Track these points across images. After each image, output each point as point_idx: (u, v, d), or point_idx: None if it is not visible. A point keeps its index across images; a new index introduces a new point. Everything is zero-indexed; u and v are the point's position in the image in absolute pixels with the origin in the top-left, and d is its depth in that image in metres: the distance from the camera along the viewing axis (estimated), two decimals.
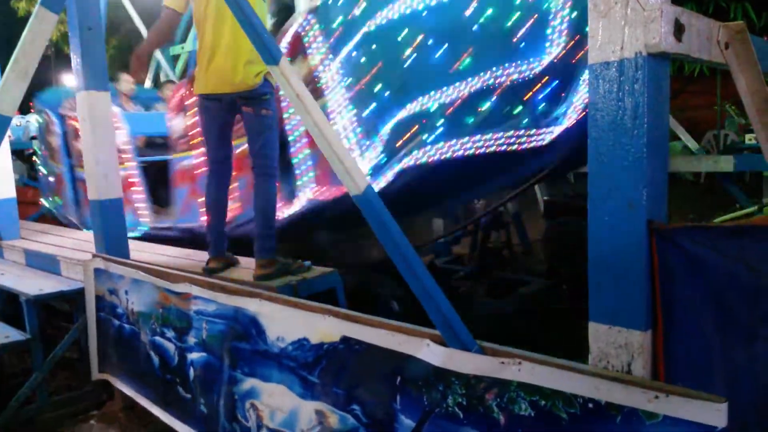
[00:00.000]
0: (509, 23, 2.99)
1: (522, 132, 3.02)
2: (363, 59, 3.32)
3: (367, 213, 1.97)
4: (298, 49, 3.63)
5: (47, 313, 3.96)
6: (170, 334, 2.86)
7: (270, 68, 2.23)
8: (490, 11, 2.99)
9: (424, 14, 3.11)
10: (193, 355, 2.72)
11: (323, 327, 2.16)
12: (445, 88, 3.09)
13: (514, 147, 3.01)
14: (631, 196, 1.62)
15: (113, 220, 3.49)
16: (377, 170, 3.30)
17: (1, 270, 4.21)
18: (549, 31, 2.92)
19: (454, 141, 3.08)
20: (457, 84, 3.06)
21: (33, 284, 3.67)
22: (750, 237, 1.53)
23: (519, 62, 3.00)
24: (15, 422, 3.34)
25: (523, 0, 2.96)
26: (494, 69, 3.03)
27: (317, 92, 3.46)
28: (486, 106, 3.07)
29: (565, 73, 2.93)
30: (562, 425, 1.59)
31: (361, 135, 3.37)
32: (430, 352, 1.87)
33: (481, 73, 3.05)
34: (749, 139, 8.41)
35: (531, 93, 3.01)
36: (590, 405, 1.54)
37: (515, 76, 3.00)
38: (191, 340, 2.73)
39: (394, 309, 3.59)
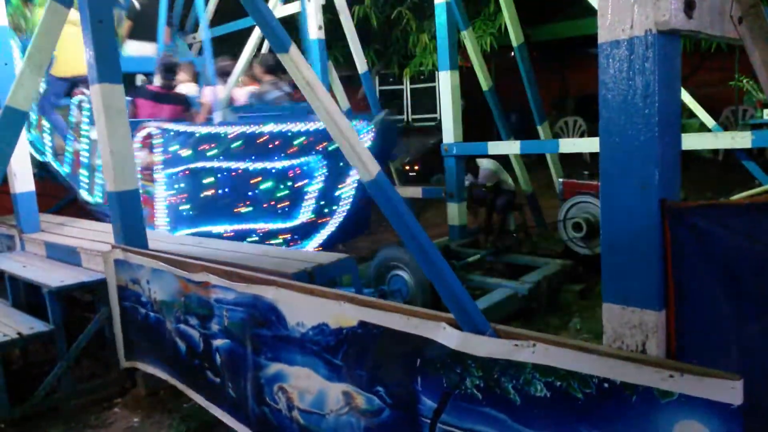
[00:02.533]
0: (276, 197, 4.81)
1: None
2: (179, 184, 4.71)
3: (378, 199, 1.98)
4: (147, 144, 4.81)
5: (69, 304, 4.04)
6: (194, 321, 2.92)
7: (280, 56, 2.23)
8: (267, 185, 4.76)
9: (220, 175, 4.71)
10: (218, 342, 2.78)
11: (340, 312, 2.19)
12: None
13: None
14: (644, 176, 1.61)
15: (131, 211, 3.54)
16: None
17: (23, 262, 4.29)
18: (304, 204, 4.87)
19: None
20: (234, 224, 4.77)
21: (55, 276, 3.74)
22: (763, 213, 1.52)
23: (276, 221, 4.79)
24: (41, 410, 3.43)
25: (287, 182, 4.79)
26: (257, 223, 4.78)
27: (150, 179, 4.76)
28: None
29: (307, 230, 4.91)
30: (578, 405, 1.60)
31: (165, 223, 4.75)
32: (446, 336, 1.89)
33: (248, 223, 4.77)
34: None
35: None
36: (605, 385, 1.55)
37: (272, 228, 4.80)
38: (214, 327, 2.78)
39: None
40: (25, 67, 3.67)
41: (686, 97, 5.71)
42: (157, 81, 5.45)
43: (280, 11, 7.20)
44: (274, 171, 4.76)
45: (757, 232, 1.52)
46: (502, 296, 4.15)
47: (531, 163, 9.08)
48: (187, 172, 4.70)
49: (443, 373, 1.90)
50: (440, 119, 6.62)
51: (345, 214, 4.90)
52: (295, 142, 4.74)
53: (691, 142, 4.55)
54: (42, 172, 6.45)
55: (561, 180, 5.74)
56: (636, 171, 1.63)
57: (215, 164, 4.72)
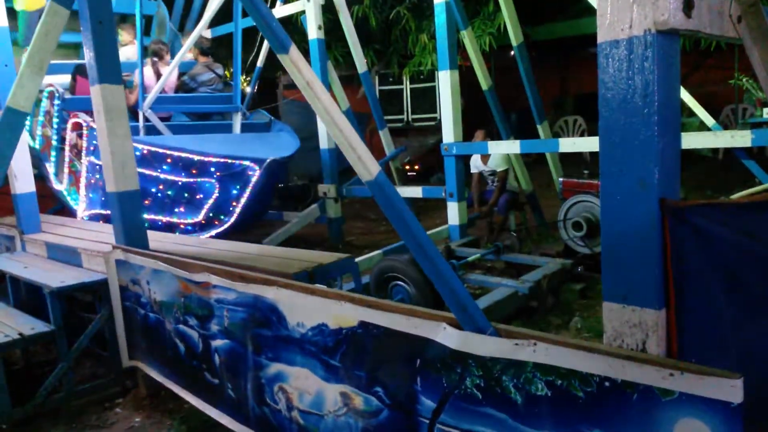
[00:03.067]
0: (183, 199, 5.92)
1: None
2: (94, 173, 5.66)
3: (379, 198, 1.98)
4: (78, 128, 5.89)
5: (70, 304, 4.04)
6: (193, 322, 2.92)
7: (280, 57, 2.23)
8: (170, 192, 5.87)
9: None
10: (217, 342, 2.78)
11: (340, 312, 2.19)
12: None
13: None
14: (643, 175, 1.61)
15: (131, 211, 3.54)
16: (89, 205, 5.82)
17: (24, 263, 4.29)
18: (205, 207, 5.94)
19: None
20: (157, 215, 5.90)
21: (55, 276, 3.74)
22: (762, 211, 1.52)
23: (183, 217, 5.94)
24: (43, 411, 3.43)
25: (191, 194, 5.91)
26: (170, 215, 5.91)
27: (79, 157, 5.83)
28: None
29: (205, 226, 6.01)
30: (578, 404, 1.60)
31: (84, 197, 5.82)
32: (447, 335, 1.89)
33: (162, 215, 5.86)
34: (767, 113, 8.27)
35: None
36: (606, 383, 1.55)
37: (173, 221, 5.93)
38: (214, 327, 2.78)
39: None
40: (25, 68, 3.68)
41: (686, 95, 5.72)
42: None
43: (280, 11, 7.22)
44: (179, 183, 5.83)
45: (757, 230, 1.53)
46: (502, 295, 4.16)
47: (531, 162, 9.10)
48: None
49: (443, 372, 1.90)
50: (440, 119, 6.63)
51: (233, 221, 6.02)
52: (197, 167, 5.80)
53: (690, 140, 4.55)
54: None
55: (561, 179, 5.75)
56: (636, 170, 1.63)
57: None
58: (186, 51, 6.19)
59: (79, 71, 6.10)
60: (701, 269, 1.61)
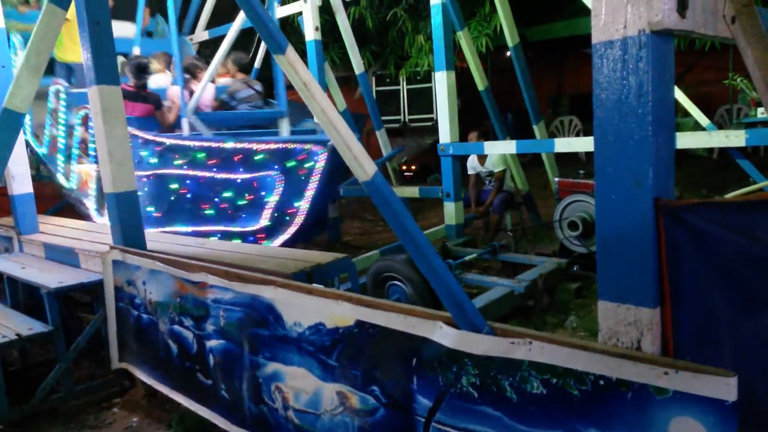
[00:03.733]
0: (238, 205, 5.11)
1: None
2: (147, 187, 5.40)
3: (375, 198, 1.99)
4: (88, 120, 5.47)
5: (68, 305, 4.04)
6: (188, 322, 2.92)
7: (277, 57, 2.25)
8: (228, 194, 5.12)
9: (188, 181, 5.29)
10: (212, 343, 2.78)
11: (337, 312, 2.20)
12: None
13: None
14: (638, 175, 1.63)
15: (129, 212, 3.54)
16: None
17: (21, 263, 4.29)
18: (263, 213, 5.06)
19: None
20: (200, 226, 5.21)
21: (53, 277, 3.74)
22: (757, 211, 1.53)
23: (239, 225, 5.12)
24: (40, 411, 3.43)
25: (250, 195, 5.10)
26: (221, 225, 5.16)
27: (86, 153, 5.66)
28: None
29: (265, 234, 5.09)
30: (574, 402, 1.62)
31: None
32: (443, 334, 1.90)
33: (214, 225, 5.17)
34: (762, 113, 8.30)
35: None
36: (601, 382, 1.57)
37: (234, 230, 5.13)
38: (209, 327, 2.79)
39: None
40: (22, 69, 3.68)
41: (680, 95, 5.74)
42: (130, 80, 5.59)
43: (277, 13, 7.23)
44: (236, 181, 5.08)
45: (751, 229, 1.54)
46: (498, 295, 4.17)
47: (527, 162, 9.12)
48: (152, 177, 5.37)
49: (439, 371, 1.91)
50: (437, 119, 6.65)
51: (302, 221, 5.06)
52: (256, 158, 5.05)
53: (685, 140, 4.57)
54: (40, 174, 6.50)
55: (557, 179, 5.77)
56: (630, 170, 1.64)
57: (181, 172, 5.27)
58: (215, 69, 5.80)
59: None
60: (696, 268, 1.62)
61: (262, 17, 2.24)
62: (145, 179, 5.26)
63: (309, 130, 6.47)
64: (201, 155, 5.14)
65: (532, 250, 5.63)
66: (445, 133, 5.79)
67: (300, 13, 6.90)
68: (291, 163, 4.92)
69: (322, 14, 7.00)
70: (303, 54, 6.31)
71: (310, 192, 4.96)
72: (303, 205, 4.97)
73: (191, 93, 5.71)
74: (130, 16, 6.83)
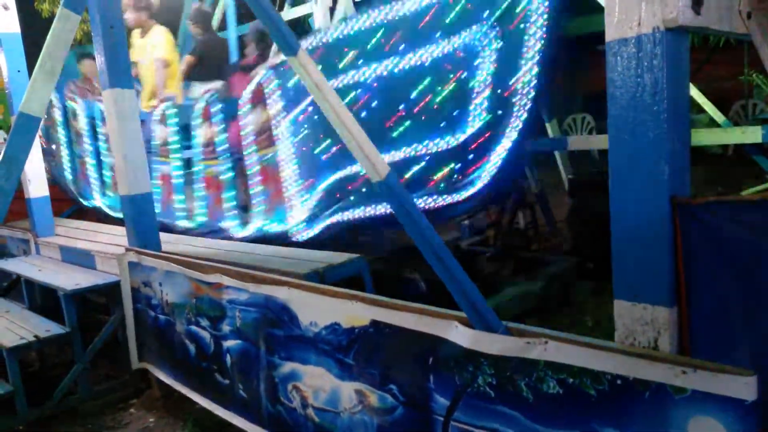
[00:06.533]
0: (437, 102, 3.23)
1: (436, 197, 3.27)
2: (307, 125, 3.77)
3: (388, 199, 1.99)
4: (259, 98, 4.02)
5: (84, 307, 4.08)
6: (205, 323, 2.94)
7: (289, 59, 2.25)
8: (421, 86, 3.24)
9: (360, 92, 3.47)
10: (229, 343, 2.80)
11: (352, 312, 2.21)
12: None
13: (430, 206, 3.27)
14: (654, 173, 1.62)
15: (144, 214, 3.57)
16: (311, 220, 3.82)
17: (38, 266, 4.34)
18: (471, 108, 3.13)
19: (373, 205, 3.44)
20: (385, 155, 3.19)
21: (70, 279, 3.78)
22: None
23: (442, 137, 3.22)
24: (58, 412, 3.47)
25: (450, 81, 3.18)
26: (419, 144, 3.29)
27: (271, 140, 3.98)
28: (408, 175, 3.32)
29: (479, 146, 3.14)
30: (591, 402, 1.61)
31: (302, 187, 3.86)
32: (458, 334, 1.90)
33: (407, 147, 3.32)
34: None
35: (449, 166, 3.24)
36: (618, 381, 1.55)
37: (437, 149, 3.24)
38: (226, 328, 2.80)
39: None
40: (37, 73, 3.71)
41: (695, 92, 5.68)
42: (251, 51, 4.94)
43: (288, 14, 7.25)
44: (428, 64, 3.23)
45: None
46: (512, 294, 4.15)
47: (539, 160, 9.06)
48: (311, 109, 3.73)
49: (456, 371, 1.91)
50: None
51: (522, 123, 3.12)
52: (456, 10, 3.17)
53: (700, 137, 4.52)
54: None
55: (570, 177, 5.73)
56: (646, 168, 1.63)
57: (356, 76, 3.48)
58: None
59: (234, 70, 5.22)
60: (712, 266, 1.61)
61: (274, 18, 2.25)
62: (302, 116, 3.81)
63: None
64: (374, 35, 3.40)
65: (545, 248, 5.60)
66: None
67: (310, 15, 6.91)
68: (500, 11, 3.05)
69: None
70: None
71: (529, 62, 3.06)
72: (521, 82, 3.05)
73: None
74: (214, 76, 5.31)
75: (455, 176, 3.23)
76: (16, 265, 4.53)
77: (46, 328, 3.56)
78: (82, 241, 4.53)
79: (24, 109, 3.78)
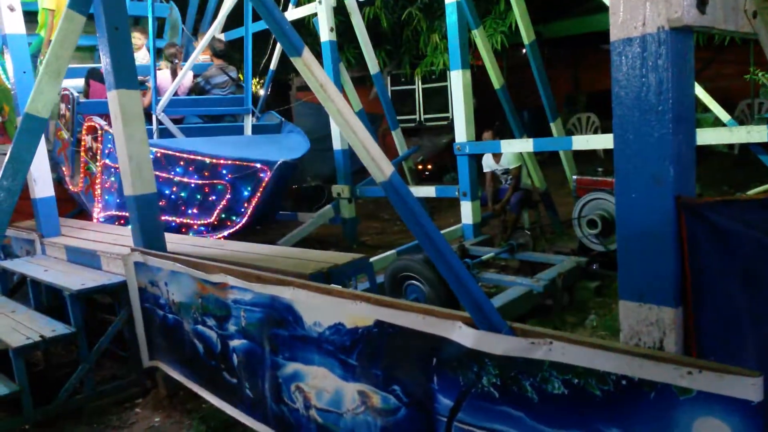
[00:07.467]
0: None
1: None
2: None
3: (393, 199, 1.99)
4: (93, 132, 5.91)
5: (90, 306, 4.09)
6: (211, 322, 2.95)
7: (293, 59, 2.25)
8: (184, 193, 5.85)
9: None
10: (235, 342, 2.81)
11: (356, 312, 2.21)
12: None
13: None
14: (658, 172, 1.61)
15: (149, 214, 3.58)
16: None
17: (44, 266, 4.36)
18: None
19: None
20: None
21: (75, 279, 3.79)
22: None
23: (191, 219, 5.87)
24: (64, 411, 3.48)
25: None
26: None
27: (94, 160, 5.93)
28: None
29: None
30: (595, 402, 1.60)
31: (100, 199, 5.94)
32: (462, 335, 1.90)
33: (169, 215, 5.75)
34: None
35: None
36: (623, 382, 1.55)
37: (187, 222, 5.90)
38: (231, 327, 2.81)
39: None
40: (43, 74, 3.74)
41: (700, 91, 5.66)
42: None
43: (292, 14, 7.26)
44: (192, 185, 5.78)
45: None
46: (517, 294, 4.15)
47: (544, 160, 9.05)
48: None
49: (459, 371, 1.91)
50: (452, 118, 6.62)
51: (247, 219, 5.98)
52: (210, 169, 5.73)
53: (705, 137, 4.51)
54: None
55: (575, 177, 5.72)
56: (651, 167, 1.62)
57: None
58: (199, 53, 6.24)
59: (92, 76, 6.18)
60: (718, 266, 1.60)
61: (279, 20, 2.25)
62: (113, 170, 5.67)
63: (272, 125, 7.14)
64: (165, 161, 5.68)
65: (550, 248, 5.60)
66: (461, 132, 5.77)
67: (315, 15, 6.93)
68: (240, 177, 5.78)
69: (337, 15, 7.01)
70: (318, 55, 6.34)
71: (254, 201, 5.89)
72: (247, 210, 5.94)
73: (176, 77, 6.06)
74: None
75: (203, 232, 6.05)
76: (21, 266, 4.54)
77: (51, 328, 3.58)
78: (88, 241, 4.54)
79: (30, 110, 3.82)
